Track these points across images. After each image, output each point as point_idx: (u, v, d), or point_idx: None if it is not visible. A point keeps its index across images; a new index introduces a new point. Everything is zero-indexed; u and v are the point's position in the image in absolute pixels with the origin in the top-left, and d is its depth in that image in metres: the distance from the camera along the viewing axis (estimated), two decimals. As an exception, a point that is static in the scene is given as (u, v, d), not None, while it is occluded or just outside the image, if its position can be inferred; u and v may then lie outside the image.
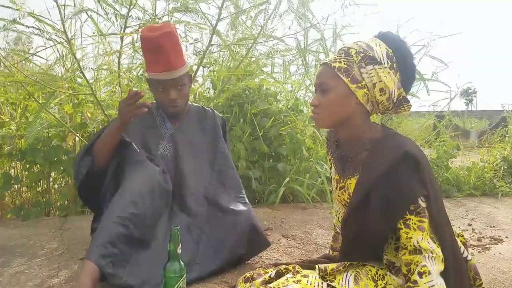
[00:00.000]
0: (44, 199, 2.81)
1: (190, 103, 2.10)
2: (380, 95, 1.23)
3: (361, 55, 1.22)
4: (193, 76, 2.89)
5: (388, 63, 1.22)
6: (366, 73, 1.22)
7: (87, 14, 2.60)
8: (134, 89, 2.05)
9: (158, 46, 1.77)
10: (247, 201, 1.95)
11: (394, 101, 1.26)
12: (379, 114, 1.37)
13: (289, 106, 3.53)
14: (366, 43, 1.25)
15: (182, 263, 1.26)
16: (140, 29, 2.29)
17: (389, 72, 1.22)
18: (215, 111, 2.14)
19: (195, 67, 3.00)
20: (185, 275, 1.27)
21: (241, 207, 1.85)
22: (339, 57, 1.25)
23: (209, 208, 1.85)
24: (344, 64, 1.23)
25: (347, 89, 1.23)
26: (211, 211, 1.83)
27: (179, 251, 1.26)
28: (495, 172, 4.45)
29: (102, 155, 1.83)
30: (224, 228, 1.76)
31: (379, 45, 1.24)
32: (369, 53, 1.22)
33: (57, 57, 2.82)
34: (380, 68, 1.21)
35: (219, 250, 1.72)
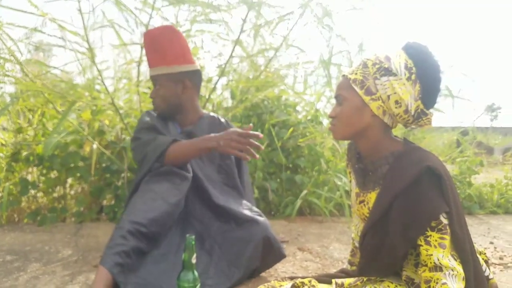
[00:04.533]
0: (60, 205, 2.82)
1: (206, 112, 2.07)
2: (396, 108, 1.20)
3: (377, 66, 1.20)
4: (214, 87, 2.89)
5: (405, 74, 1.18)
6: (381, 84, 1.19)
7: (109, 24, 2.63)
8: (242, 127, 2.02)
9: (147, 42, 1.93)
10: (260, 212, 1.91)
11: (412, 113, 1.21)
12: (405, 127, 1.33)
13: (308, 118, 3.50)
14: (385, 54, 1.22)
15: (196, 273, 1.24)
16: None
17: (404, 84, 1.18)
18: (229, 122, 2.10)
19: (216, 78, 3.00)
20: (198, 285, 1.24)
21: (255, 217, 1.81)
22: (356, 69, 1.24)
23: (222, 218, 1.81)
24: (360, 75, 1.22)
25: (361, 101, 1.21)
26: (225, 221, 1.80)
27: (194, 261, 1.23)
28: (519, 189, 4.33)
29: (177, 161, 1.74)
30: (238, 241, 1.72)
31: (399, 56, 1.21)
32: (385, 64, 1.19)
33: (78, 67, 2.85)
34: (395, 80, 1.18)
35: (233, 265, 1.68)
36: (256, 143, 1.64)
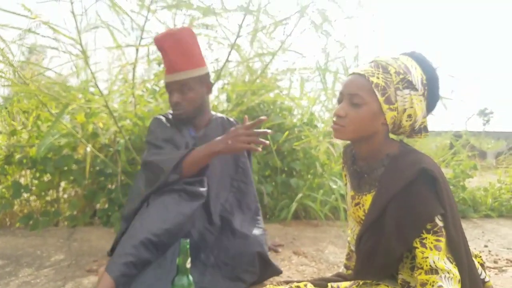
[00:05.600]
0: (53, 209, 2.79)
1: (214, 113, 2.05)
2: (406, 121, 1.21)
3: (400, 76, 1.18)
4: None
5: (421, 90, 1.19)
6: (401, 96, 1.18)
7: (104, 25, 2.61)
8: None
9: (161, 47, 1.84)
10: (261, 225, 1.90)
11: (415, 128, 1.24)
12: (396, 134, 1.33)
13: (304, 121, 3.49)
14: (405, 64, 1.20)
15: (190, 277, 1.22)
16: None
17: (421, 101, 1.20)
18: (239, 123, 2.07)
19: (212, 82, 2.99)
20: (193, 290, 1.22)
21: (254, 231, 1.79)
22: (376, 72, 1.19)
23: (221, 228, 1.80)
24: (382, 81, 1.17)
25: (379, 108, 1.18)
26: (223, 232, 1.78)
27: (188, 265, 1.21)
28: (512, 193, 4.35)
29: (191, 170, 1.72)
30: (233, 253, 1.71)
31: (415, 69, 1.21)
32: (408, 76, 1.18)
33: (72, 69, 2.83)
34: (415, 95, 1.18)
35: (227, 277, 1.67)
36: (262, 135, 1.65)
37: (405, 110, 1.19)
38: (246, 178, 1.96)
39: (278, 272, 1.84)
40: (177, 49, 1.83)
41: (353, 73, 1.23)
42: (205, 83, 1.91)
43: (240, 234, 1.76)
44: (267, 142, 1.65)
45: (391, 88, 1.17)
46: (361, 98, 1.18)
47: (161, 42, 1.84)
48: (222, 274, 1.67)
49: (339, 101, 1.25)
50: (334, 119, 1.24)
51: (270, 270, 1.80)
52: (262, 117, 1.63)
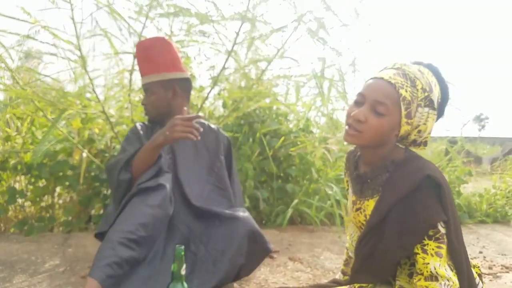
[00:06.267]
0: (48, 214, 2.78)
1: (202, 121, 2.07)
2: (415, 135, 1.22)
3: (425, 94, 1.17)
4: (206, 97, 2.90)
5: (436, 109, 1.21)
6: (420, 113, 1.18)
7: (102, 32, 2.61)
8: None
9: (140, 50, 2.00)
10: (244, 209, 1.91)
11: (417, 141, 1.26)
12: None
13: (300, 127, 3.50)
14: (429, 80, 1.19)
15: (185, 284, 1.22)
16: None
17: (434, 119, 1.22)
18: (220, 129, 2.12)
19: (208, 89, 2.99)
20: (188, 297, 1.22)
21: (237, 214, 1.80)
22: (405, 84, 1.16)
23: (205, 218, 1.80)
24: (409, 95, 1.15)
25: (399, 120, 1.17)
26: (207, 220, 1.79)
27: (183, 272, 1.21)
28: (507, 199, 4.35)
29: (140, 168, 1.78)
30: (222, 238, 1.72)
31: (435, 86, 1.21)
32: (431, 95, 1.18)
33: (70, 75, 2.82)
34: (432, 114, 1.20)
35: (219, 261, 1.67)
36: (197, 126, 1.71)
37: (418, 126, 1.20)
38: (219, 183, 1.98)
39: (268, 251, 1.84)
40: (143, 56, 1.98)
41: (382, 78, 1.19)
42: (171, 88, 1.95)
43: (226, 217, 1.77)
44: (201, 129, 1.71)
45: (415, 104, 1.16)
46: (387, 108, 1.15)
47: (140, 46, 2.01)
48: (212, 259, 1.66)
49: (359, 103, 1.21)
50: (351, 122, 1.20)
51: (260, 250, 1.80)
52: (200, 114, 1.73)
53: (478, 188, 4.53)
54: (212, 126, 2.10)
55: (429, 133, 1.26)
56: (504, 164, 5.96)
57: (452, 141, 5.02)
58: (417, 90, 1.16)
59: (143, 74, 1.99)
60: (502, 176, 4.99)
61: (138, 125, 2.03)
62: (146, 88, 1.97)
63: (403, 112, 1.15)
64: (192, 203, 1.82)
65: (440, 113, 1.26)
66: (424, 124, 1.20)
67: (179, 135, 1.67)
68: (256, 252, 1.79)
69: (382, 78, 1.18)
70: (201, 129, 1.71)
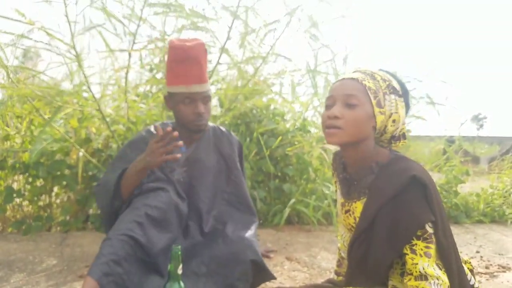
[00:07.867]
0: (45, 214, 2.78)
1: (212, 124, 2.02)
2: (391, 126, 1.24)
3: (386, 83, 1.23)
4: None
5: (402, 97, 1.25)
6: (389, 101, 1.21)
7: (96, 30, 2.62)
8: (158, 124, 1.92)
9: (192, 56, 1.73)
10: (254, 229, 1.87)
11: (396, 135, 1.28)
12: (379, 144, 1.33)
13: (296, 126, 3.50)
14: (384, 74, 1.26)
15: (182, 284, 1.22)
16: (167, 41, 2.26)
17: (403, 107, 1.24)
18: (231, 133, 2.03)
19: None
20: (184, 296, 1.22)
21: (246, 236, 1.77)
22: (366, 77, 1.22)
23: (213, 235, 1.78)
24: (373, 85, 1.21)
25: (372, 111, 1.20)
26: (211, 238, 1.77)
27: (180, 272, 1.22)
28: (504, 198, 4.37)
29: (128, 192, 1.72)
30: (225, 262, 1.67)
31: (393, 79, 1.26)
32: (393, 83, 1.23)
33: (65, 73, 2.83)
34: (400, 100, 1.23)
35: (220, 286, 1.64)
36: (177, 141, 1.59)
37: (391, 114, 1.22)
38: (238, 191, 1.93)
39: (271, 277, 1.82)
40: (205, 59, 1.78)
41: (343, 78, 1.25)
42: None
43: (231, 241, 1.74)
44: (180, 142, 1.58)
45: (380, 93, 1.21)
46: (358, 98, 1.18)
47: (194, 50, 1.73)
48: (213, 282, 1.65)
49: (329, 106, 1.24)
50: (328, 122, 1.21)
51: (264, 275, 1.78)
52: (168, 129, 1.57)
53: (476, 188, 4.54)
54: (223, 129, 2.01)
55: (404, 124, 1.28)
56: (502, 163, 5.96)
57: (450, 141, 5.03)
58: (378, 81, 1.22)
59: (205, 80, 1.77)
60: (499, 176, 5.00)
61: (153, 128, 1.88)
62: (205, 96, 1.77)
63: (373, 101, 1.19)
64: (204, 220, 1.79)
65: (406, 105, 1.28)
66: (396, 112, 1.22)
67: (161, 159, 1.59)
68: (260, 278, 1.75)
69: (343, 79, 1.25)
70: (181, 143, 1.60)
